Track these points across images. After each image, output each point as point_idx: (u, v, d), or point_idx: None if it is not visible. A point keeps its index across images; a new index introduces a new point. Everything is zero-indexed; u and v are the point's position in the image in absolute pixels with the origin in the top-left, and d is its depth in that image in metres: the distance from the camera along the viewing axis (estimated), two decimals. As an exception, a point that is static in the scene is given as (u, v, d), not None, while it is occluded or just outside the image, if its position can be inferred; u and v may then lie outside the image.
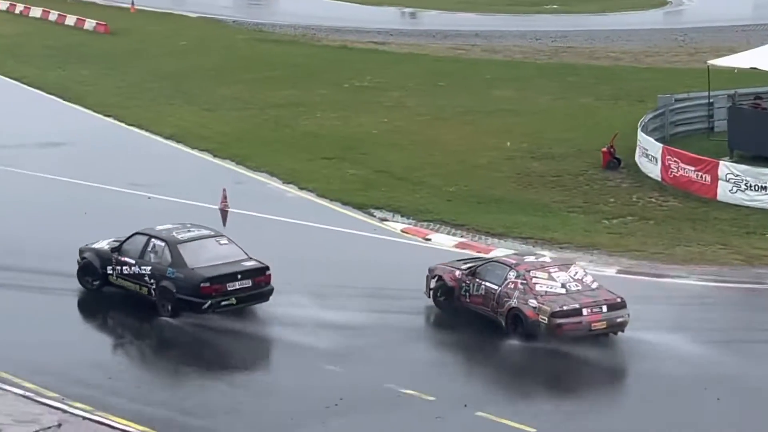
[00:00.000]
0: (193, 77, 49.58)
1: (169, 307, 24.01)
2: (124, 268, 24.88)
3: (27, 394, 19.70)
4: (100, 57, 53.54)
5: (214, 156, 37.70)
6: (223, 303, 23.77)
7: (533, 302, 22.62)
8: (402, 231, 30.73)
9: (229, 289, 23.83)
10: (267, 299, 24.38)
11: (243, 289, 23.98)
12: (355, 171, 35.90)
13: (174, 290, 23.89)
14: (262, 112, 43.64)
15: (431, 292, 24.79)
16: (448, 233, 30.45)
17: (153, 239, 24.68)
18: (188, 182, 34.62)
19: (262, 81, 49.02)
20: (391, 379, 21.21)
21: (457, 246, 29.29)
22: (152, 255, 24.52)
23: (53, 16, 62.63)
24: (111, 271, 25.11)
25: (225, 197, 31.92)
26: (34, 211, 31.46)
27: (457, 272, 24.46)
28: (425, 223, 31.22)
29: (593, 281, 23.39)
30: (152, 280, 24.31)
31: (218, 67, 51.99)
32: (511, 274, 23.32)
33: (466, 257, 26.13)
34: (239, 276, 23.96)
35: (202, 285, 23.63)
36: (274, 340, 23.42)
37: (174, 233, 24.79)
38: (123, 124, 41.66)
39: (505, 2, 73.99)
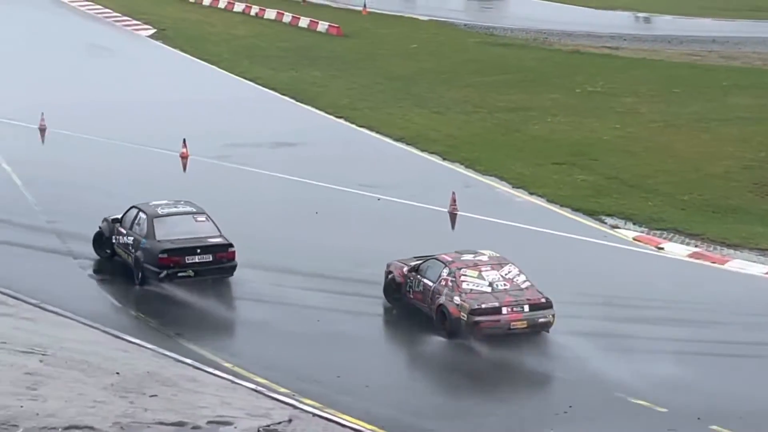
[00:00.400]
0: (423, 80, 49.69)
1: (139, 275, 25.92)
2: (120, 237, 26.91)
3: (259, 389, 19.92)
4: (332, 59, 54.17)
5: (444, 159, 37.63)
6: (180, 274, 25.51)
7: (457, 299, 23.03)
8: (634, 239, 30.10)
9: (187, 261, 25.58)
10: (230, 274, 25.89)
11: (203, 263, 25.62)
12: (585, 177, 35.33)
13: (142, 259, 25.78)
14: (492, 116, 43.39)
15: (383, 288, 25.16)
16: (681, 243, 29.67)
17: (140, 212, 26.61)
18: (417, 184, 34.63)
19: (492, 84, 48.80)
20: (621, 388, 20.76)
21: (691, 256, 28.56)
22: (137, 227, 26.44)
23: (287, 18, 63.72)
24: (114, 240, 27.15)
25: (454, 200, 31.82)
26: (267, 210, 31.96)
27: (405, 269, 24.83)
28: (658, 232, 30.51)
29: (525, 281, 23.44)
30: (132, 249, 26.28)
31: (448, 70, 51.97)
32: (445, 272, 23.72)
33: (422, 255, 25.29)
34: (198, 251, 25.60)
35: (159, 256, 25.48)
36: (508, 351, 23.06)
37: (158, 209, 26.70)
38: (354, 126, 41.98)
39: (747, 7, 71.90)
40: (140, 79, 49.62)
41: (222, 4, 68.48)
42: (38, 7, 66.65)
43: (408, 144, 39.37)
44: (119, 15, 64.19)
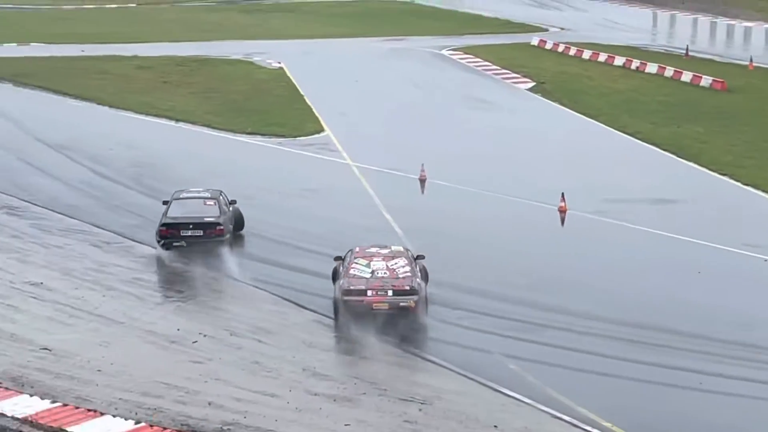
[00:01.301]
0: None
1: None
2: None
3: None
4: (716, 114, 52.63)
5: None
6: (175, 244, 31.66)
7: (341, 282, 26.60)
8: None
9: (182, 234, 31.69)
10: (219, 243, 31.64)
11: (194, 236, 31.71)
12: None
13: (156, 231, 31.86)
14: None
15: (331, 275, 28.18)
16: None
17: (172, 197, 32.91)
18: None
19: None
20: None
21: None
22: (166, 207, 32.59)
23: (669, 72, 62.49)
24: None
25: None
26: (644, 268, 31.17)
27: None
28: None
29: (407, 273, 26.56)
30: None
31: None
32: (347, 260, 27.24)
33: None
34: (191, 226, 31.71)
35: (160, 228, 31.80)
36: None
37: (184, 192, 33.17)
38: (738, 183, 40.46)
39: None
40: (518, 131, 49.76)
41: (602, 58, 67.97)
42: (421, 60, 68.28)
43: (796, 203, 37.61)
44: (498, 68, 64.80)
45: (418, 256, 28.24)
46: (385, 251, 27.45)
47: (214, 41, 76.03)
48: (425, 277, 27.74)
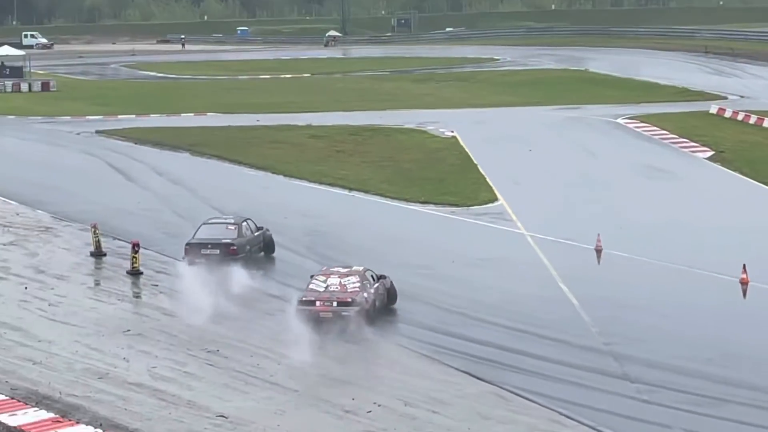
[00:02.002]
0: None
1: None
2: None
3: None
4: None
5: None
6: (196, 260, 36.12)
7: (300, 294, 31.56)
8: None
9: (202, 252, 36.53)
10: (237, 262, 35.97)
11: (212, 255, 36.38)
12: None
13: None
14: None
15: None
16: None
17: (202, 222, 38.66)
18: None
19: None
20: None
21: None
22: None
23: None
24: None
25: None
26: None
27: None
28: None
29: (355, 288, 31.11)
30: None
31: None
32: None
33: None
34: (209, 246, 36.73)
35: (185, 246, 36.96)
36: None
37: (212, 219, 39.31)
38: None
39: None
40: (697, 202, 48.67)
41: (783, 126, 66.39)
42: (596, 129, 67.60)
43: None
44: (676, 136, 63.63)
45: (380, 276, 32.51)
46: (344, 270, 32.09)
47: (387, 110, 76.59)
48: (390, 295, 32.72)
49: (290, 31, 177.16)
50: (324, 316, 30.63)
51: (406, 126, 68.34)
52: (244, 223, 38.06)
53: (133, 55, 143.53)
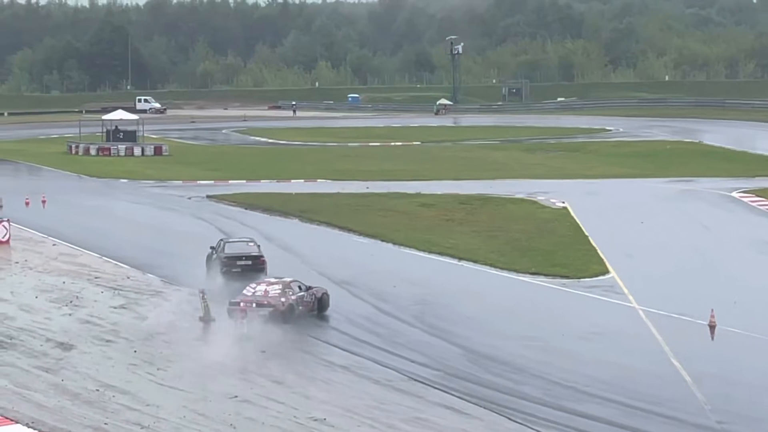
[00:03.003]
0: None
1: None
2: None
3: None
4: None
5: None
6: (233, 270, 44.42)
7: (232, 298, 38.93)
8: None
9: (237, 263, 44.83)
10: (263, 271, 44.41)
11: (245, 265, 44.85)
12: None
13: (217, 264, 45.59)
14: None
15: None
16: None
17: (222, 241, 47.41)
18: None
19: None
20: None
21: None
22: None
23: None
24: None
25: None
26: None
27: None
28: None
29: (275, 294, 38.06)
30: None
31: None
32: None
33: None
34: (243, 258, 45.14)
35: (222, 259, 45.17)
36: None
37: (231, 238, 49.01)
38: None
39: None
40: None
41: None
42: (710, 203, 66.48)
43: None
44: (792, 211, 62.42)
45: (309, 287, 39.20)
46: (273, 280, 39.21)
47: (497, 179, 76.30)
48: (321, 303, 39.35)
49: (401, 99, 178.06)
50: (243, 314, 37.67)
51: (517, 196, 67.95)
52: (255, 242, 47.13)
53: (244, 120, 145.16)
